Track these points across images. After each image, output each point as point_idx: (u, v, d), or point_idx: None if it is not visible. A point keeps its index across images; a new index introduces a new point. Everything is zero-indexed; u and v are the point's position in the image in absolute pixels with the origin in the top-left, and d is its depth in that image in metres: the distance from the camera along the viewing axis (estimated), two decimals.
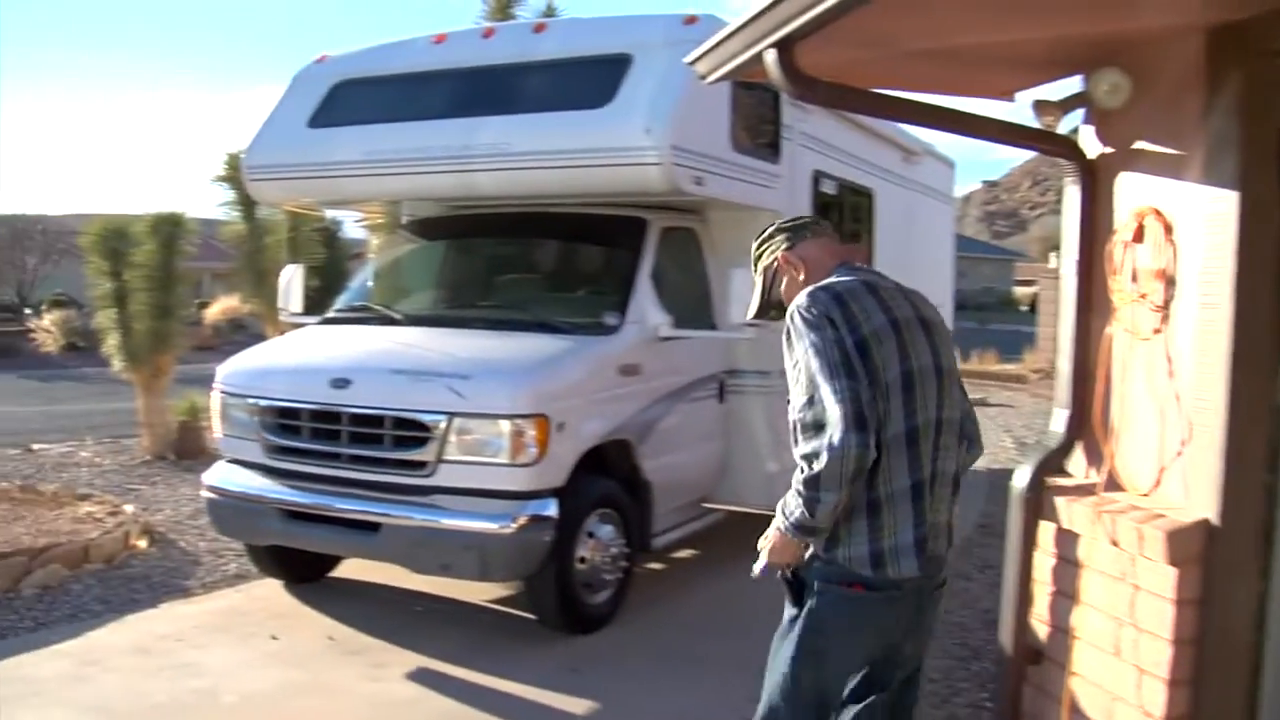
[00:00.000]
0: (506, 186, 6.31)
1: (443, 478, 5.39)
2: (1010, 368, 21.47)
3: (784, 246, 3.21)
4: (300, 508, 5.76)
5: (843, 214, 8.86)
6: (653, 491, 6.15)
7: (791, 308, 2.90)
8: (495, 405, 5.30)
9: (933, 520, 2.86)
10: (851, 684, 2.97)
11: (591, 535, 5.76)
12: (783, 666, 2.88)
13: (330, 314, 6.95)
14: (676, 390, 6.46)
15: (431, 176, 6.41)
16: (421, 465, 5.43)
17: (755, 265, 3.25)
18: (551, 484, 5.43)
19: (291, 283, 7.14)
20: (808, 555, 2.86)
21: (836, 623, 2.84)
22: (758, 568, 2.94)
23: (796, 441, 2.76)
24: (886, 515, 2.77)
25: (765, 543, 2.89)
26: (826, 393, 2.71)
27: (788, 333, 2.87)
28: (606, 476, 5.94)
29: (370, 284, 7.32)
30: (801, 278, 3.11)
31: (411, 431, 5.45)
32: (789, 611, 2.95)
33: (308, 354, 6.21)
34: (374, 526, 5.51)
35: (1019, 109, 4.55)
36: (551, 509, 5.38)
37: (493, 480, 5.34)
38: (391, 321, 6.49)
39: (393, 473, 5.53)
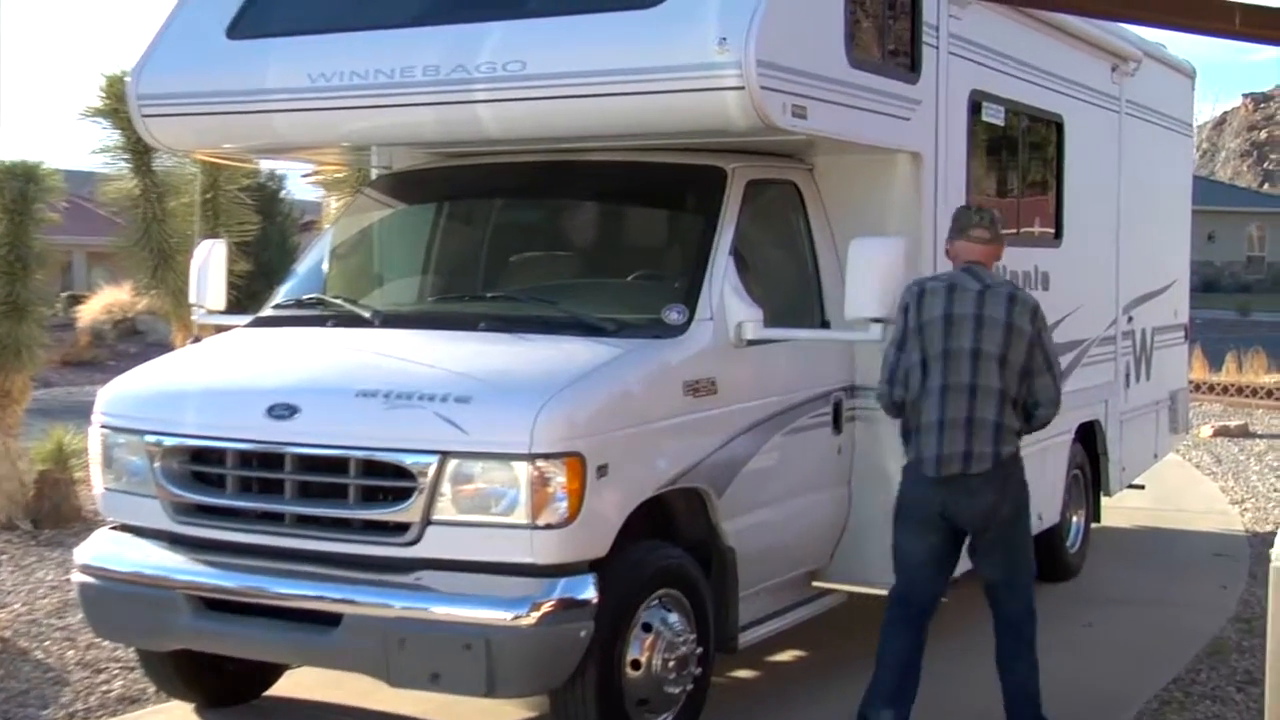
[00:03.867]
0: (519, 124, 6.55)
1: (432, 546, 5.63)
2: None
3: (948, 236, 6.47)
4: (222, 594, 6.02)
5: (1017, 153, 8.99)
6: (738, 564, 6.35)
7: None
8: (508, 440, 5.53)
9: (955, 449, 6.11)
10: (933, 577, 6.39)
11: (649, 629, 5.95)
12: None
13: (268, 311, 7.23)
14: (771, 416, 6.68)
15: (411, 110, 6.66)
16: (401, 529, 5.67)
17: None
18: (590, 554, 5.65)
19: (209, 266, 7.41)
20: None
21: (903, 488, 6.34)
22: None
23: None
24: (922, 436, 6.16)
25: None
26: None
27: None
28: (670, 542, 6.16)
29: (326, 267, 7.61)
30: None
31: (386, 480, 5.71)
32: None
33: (234, 370, 6.50)
34: (332, 619, 5.75)
35: None
36: (589, 590, 5.58)
37: (504, 549, 5.57)
38: (358, 321, 6.75)
39: (359, 540, 5.78)
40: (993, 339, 6.11)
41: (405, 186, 7.94)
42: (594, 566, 5.65)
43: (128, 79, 7.63)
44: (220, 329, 7.35)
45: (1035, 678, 6.40)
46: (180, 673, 6.73)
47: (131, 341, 28.45)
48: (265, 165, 14.55)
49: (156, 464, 6.17)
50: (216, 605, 6.04)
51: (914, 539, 6.30)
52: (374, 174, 8.53)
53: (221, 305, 7.42)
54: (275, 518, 5.96)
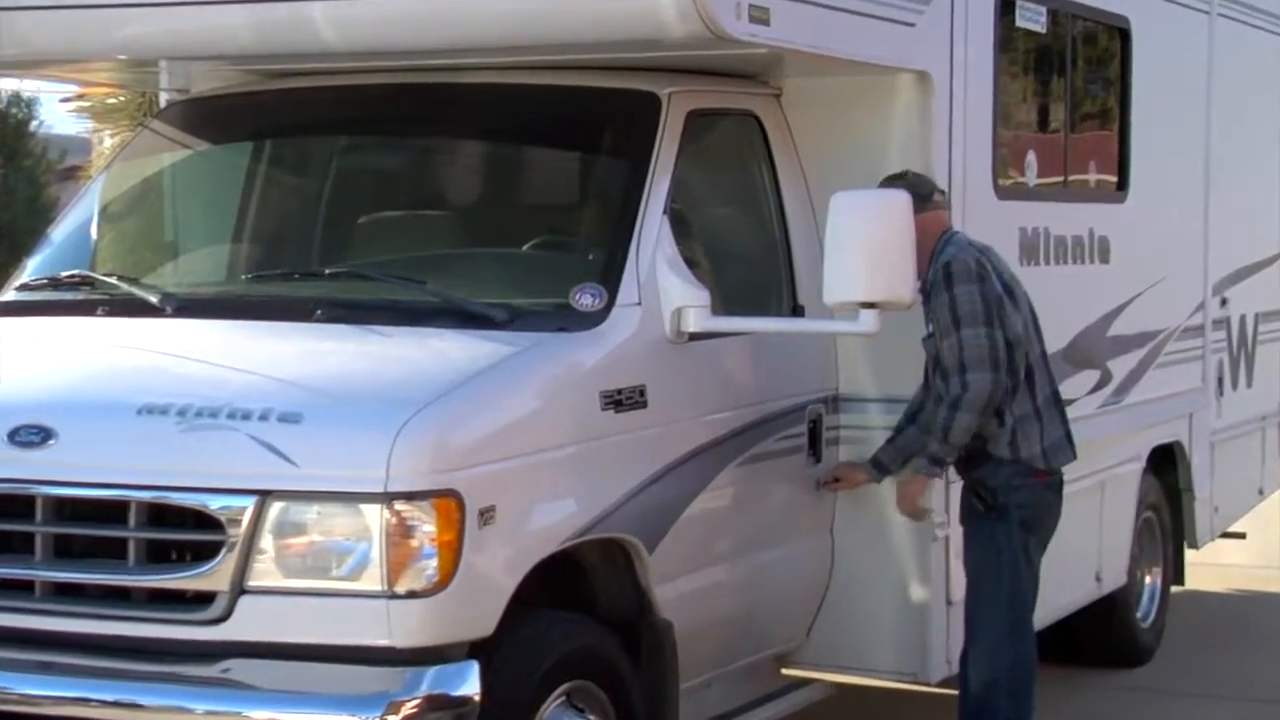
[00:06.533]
0: (368, 31, 6.58)
1: (246, 625, 5.60)
2: None
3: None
4: None
5: (1065, 73, 9.06)
6: (677, 645, 6.36)
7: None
8: (354, 474, 5.50)
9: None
10: None
11: None
12: (998, 574, 6.96)
13: (9, 294, 7.23)
14: (723, 439, 6.73)
15: (216, 10, 6.66)
16: (203, 601, 5.64)
17: None
18: (470, 633, 5.64)
19: None
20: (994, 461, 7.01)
21: (1034, 500, 6.96)
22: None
23: None
24: (1045, 420, 6.98)
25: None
26: None
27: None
28: (583, 615, 6.19)
29: (95, 232, 7.58)
30: None
31: (182, 532, 5.69)
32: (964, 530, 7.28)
33: None
34: None
35: None
36: (470, 683, 5.56)
37: (349, 627, 5.56)
38: (141, 308, 6.73)
39: (143, 617, 5.74)
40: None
41: (209, 118, 7.93)
42: (476, 650, 5.63)
43: None
44: None
45: None
46: None
47: None
48: (6, 85, 14.50)
49: None
50: None
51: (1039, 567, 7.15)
52: (164, 100, 8.50)
53: None
54: (20, 588, 5.89)
